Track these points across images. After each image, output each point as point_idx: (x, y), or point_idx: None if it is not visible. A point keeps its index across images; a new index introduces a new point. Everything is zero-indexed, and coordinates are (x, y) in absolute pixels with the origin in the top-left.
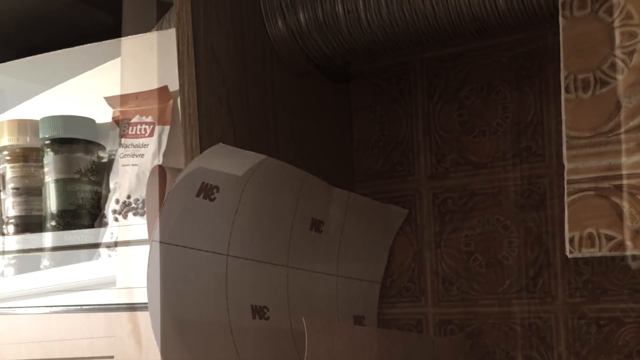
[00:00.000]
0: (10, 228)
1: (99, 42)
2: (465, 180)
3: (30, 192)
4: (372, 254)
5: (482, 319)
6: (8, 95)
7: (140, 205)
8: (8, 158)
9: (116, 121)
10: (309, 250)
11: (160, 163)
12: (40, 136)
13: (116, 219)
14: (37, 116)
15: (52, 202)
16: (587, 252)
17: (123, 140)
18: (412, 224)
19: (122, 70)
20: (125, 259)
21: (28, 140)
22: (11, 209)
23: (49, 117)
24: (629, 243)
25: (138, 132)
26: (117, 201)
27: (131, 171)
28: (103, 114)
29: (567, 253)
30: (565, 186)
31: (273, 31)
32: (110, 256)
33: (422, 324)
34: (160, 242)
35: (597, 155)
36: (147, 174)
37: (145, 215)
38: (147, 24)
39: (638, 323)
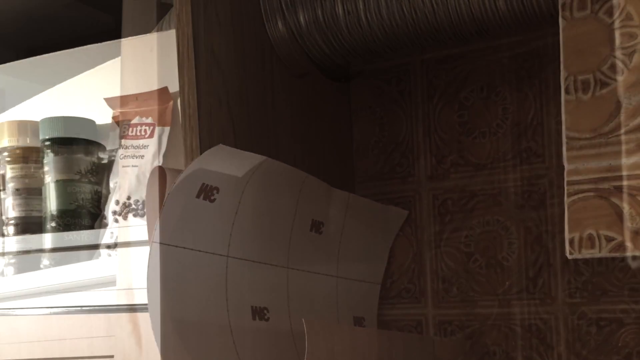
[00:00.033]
0: (11, 229)
1: (99, 44)
2: (465, 181)
3: (30, 193)
4: (372, 255)
5: (482, 320)
6: (8, 95)
7: (140, 206)
8: (8, 159)
9: (116, 121)
10: (309, 251)
11: (160, 164)
12: (41, 137)
13: (116, 220)
14: (37, 116)
15: (52, 203)
16: (587, 253)
17: (123, 142)
18: (412, 225)
19: (122, 71)
20: (125, 260)
21: (28, 141)
22: (11, 209)
23: (49, 118)
24: (629, 244)
25: (138, 133)
26: (117, 202)
27: (131, 172)
28: (103, 114)
29: (567, 254)
30: (565, 187)
31: (273, 32)
32: (110, 256)
33: (422, 325)
34: (160, 243)
35: (597, 156)
36: (147, 175)
37: (145, 216)
38: (147, 25)
39: (638, 324)
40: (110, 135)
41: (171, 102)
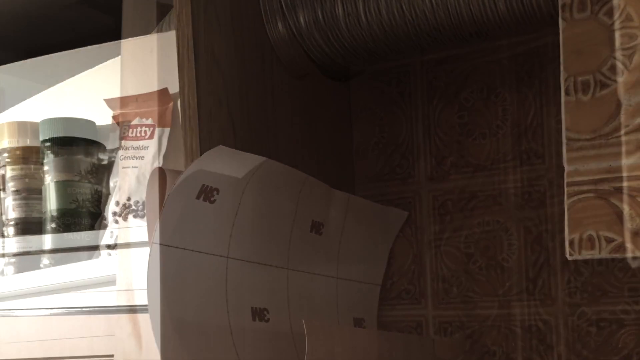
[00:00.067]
0: (11, 230)
1: (99, 45)
2: (465, 182)
3: (30, 193)
4: (372, 256)
5: (482, 321)
6: (8, 94)
7: (140, 208)
8: (8, 160)
9: (117, 122)
10: (309, 252)
11: (160, 165)
12: (41, 138)
13: (116, 221)
14: (37, 115)
15: (52, 204)
16: (587, 254)
17: (123, 143)
18: (412, 226)
19: (122, 72)
20: (126, 261)
21: (28, 142)
22: (11, 210)
23: (49, 119)
24: (629, 245)
25: (138, 135)
26: (117, 203)
27: (131, 173)
28: (103, 114)
29: (567, 255)
30: (565, 188)
31: (273, 33)
32: (110, 255)
33: (422, 326)
34: (160, 244)
35: (597, 157)
36: (147, 176)
37: (145, 217)
38: (147, 26)
39: (638, 325)
40: (110, 136)
41: (171, 103)
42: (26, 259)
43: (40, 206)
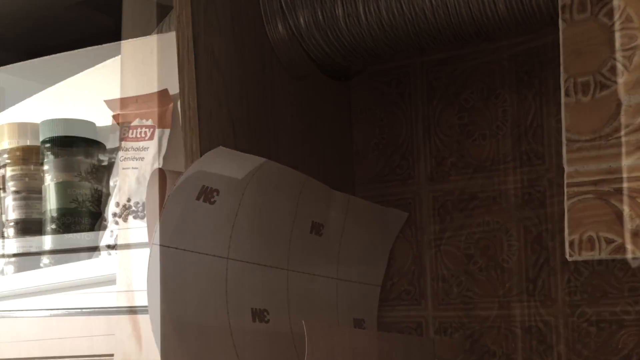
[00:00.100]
0: (11, 230)
1: (99, 46)
2: (465, 183)
3: (30, 194)
4: (372, 257)
5: (482, 322)
6: (8, 94)
7: (140, 209)
8: (8, 160)
9: (117, 122)
10: (309, 253)
11: (160, 166)
12: (41, 138)
13: (116, 222)
14: (37, 114)
15: (52, 205)
16: (587, 255)
17: (123, 144)
18: (412, 227)
19: (122, 73)
20: (126, 262)
21: (28, 142)
22: (11, 211)
23: (49, 120)
24: (629, 246)
25: (138, 136)
26: (117, 204)
27: (131, 174)
28: (103, 113)
29: (567, 256)
30: (565, 189)
31: (273, 34)
32: (110, 254)
33: (422, 327)
34: (160, 245)
35: (596, 158)
36: (147, 177)
37: (145, 218)
38: (147, 27)
39: (638, 325)
40: (111, 137)
41: (171, 104)
42: (26, 259)
43: (40, 207)
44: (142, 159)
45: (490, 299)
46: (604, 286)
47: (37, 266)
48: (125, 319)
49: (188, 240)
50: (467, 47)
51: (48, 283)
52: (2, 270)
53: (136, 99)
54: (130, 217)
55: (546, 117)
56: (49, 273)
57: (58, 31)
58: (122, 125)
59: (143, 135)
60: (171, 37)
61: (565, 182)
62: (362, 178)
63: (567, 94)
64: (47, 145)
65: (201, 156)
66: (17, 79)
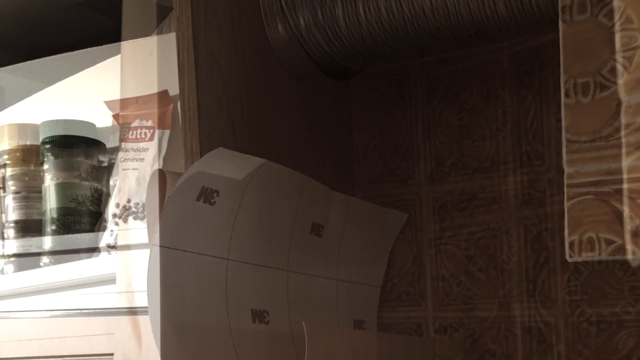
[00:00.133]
0: (11, 231)
1: (99, 46)
2: (465, 184)
3: (30, 195)
4: (372, 257)
5: (482, 323)
6: (8, 93)
7: (140, 210)
8: (8, 161)
9: (117, 122)
10: (309, 254)
11: (160, 167)
12: (41, 139)
13: (116, 223)
14: (37, 114)
15: (52, 206)
16: (587, 256)
17: (123, 145)
18: (412, 228)
19: (122, 74)
20: (126, 263)
21: (28, 144)
22: (11, 212)
23: (49, 121)
24: (629, 247)
25: (138, 136)
26: (117, 205)
27: (131, 175)
28: (103, 112)
29: (567, 257)
30: (565, 190)
31: (273, 35)
32: (110, 253)
33: (422, 328)
34: (160, 246)
35: (597, 159)
36: (147, 178)
37: (145, 219)
38: (147, 28)
39: (638, 326)
40: (111, 138)
41: (171, 105)
42: (26, 258)
43: (40, 207)
44: (142, 159)
45: (490, 299)
46: (604, 286)
47: (37, 265)
48: (125, 318)
49: (188, 241)
50: (467, 48)
51: (48, 282)
52: (2, 270)
53: (136, 100)
54: (130, 218)
55: (546, 116)
56: (49, 272)
57: (58, 32)
58: (122, 126)
59: (143, 136)
60: (171, 38)
61: (565, 183)
62: (362, 179)
63: (567, 95)
64: (47, 146)
65: (201, 157)
66: (17, 78)
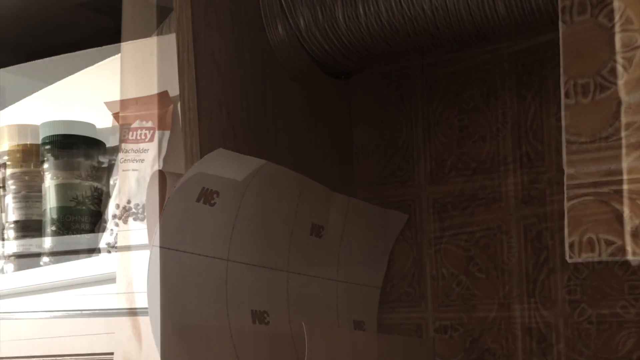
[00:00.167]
0: (11, 232)
1: (99, 47)
2: (465, 185)
3: (30, 196)
4: (372, 258)
5: (482, 323)
6: (8, 93)
7: (140, 210)
8: (9, 162)
9: (117, 122)
10: (309, 255)
11: (160, 168)
12: (41, 140)
13: (116, 224)
14: (37, 113)
15: (52, 206)
16: (587, 257)
17: (123, 145)
18: (412, 229)
19: (122, 74)
20: (126, 264)
21: (28, 144)
22: (11, 213)
23: (49, 122)
24: (629, 247)
25: (138, 137)
26: (117, 206)
27: (131, 176)
28: (102, 111)
29: (567, 258)
30: (565, 191)
31: (273, 36)
32: (110, 252)
33: (422, 329)
34: (161, 246)
35: (597, 160)
36: (147, 179)
37: (145, 220)
38: (147, 29)
39: (638, 325)
40: (111, 139)
41: (171, 106)
42: (26, 258)
43: (40, 207)
44: (142, 160)
45: (491, 299)
46: (604, 285)
47: (37, 265)
48: (125, 318)
49: (188, 242)
50: (467, 49)
51: (48, 281)
52: (2, 269)
53: (136, 101)
54: (130, 219)
55: (546, 116)
56: (49, 271)
57: (58, 33)
58: (122, 127)
59: (143, 137)
60: (171, 38)
61: (565, 183)
62: (362, 180)
63: (567, 96)
64: (47, 146)
65: (201, 158)
66: (17, 77)
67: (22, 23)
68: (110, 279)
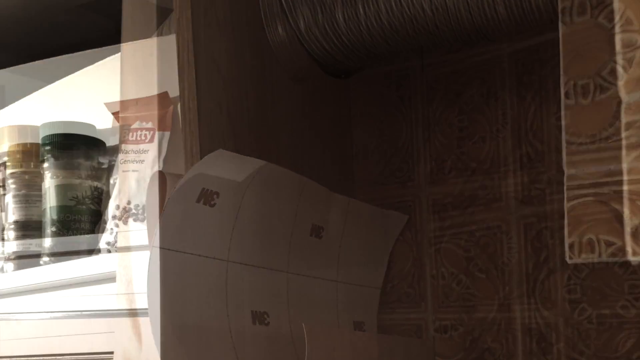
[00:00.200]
0: (11, 233)
1: (100, 48)
2: (465, 185)
3: (30, 197)
4: (372, 259)
5: (482, 324)
6: (8, 92)
7: (140, 211)
8: (9, 163)
9: (117, 121)
10: (309, 255)
11: (160, 169)
12: (41, 141)
13: (116, 225)
14: (36, 112)
15: (52, 207)
16: (587, 258)
17: (123, 146)
18: (412, 230)
19: (122, 75)
20: (126, 265)
21: (28, 145)
22: (11, 213)
23: (49, 122)
24: (629, 248)
25: (138, 138)
26: (118, 207)
27: (131, 177)
28: (102, 111)
29: (567, 259)
30: (565, 192)
31: (273, 36)
32: (110, 251)
33: (422, 330)
34: (161, 247)
35: (597, 160)
36: (148, 180)
37: (145, 221)
38: (147, 30)
39: (638, 323)
40: (111, 140)
41: (171, 107)
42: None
43: (40, 210)
44: (142, 161)
45: (491, 299)
46: (604, 284)
47: (37, 264)
48: (125, 317)
49: (188, 243)
50: (467, 50)
51: (48, 280)
52: (2, 268)
53: (136, 102)
54: (130, 220)
55: (546, 115)
56: (49, 270)
57: (59, 34)
58: (122, 128)
59: (143, 138)
60: (171, 39)
61: (565, 184)
62: (362, 180)
63: (567, 97)
64: (47, 147)
65: (201, 159)
66: (17, 77)
67: (22, 24)
68: (110, 278)
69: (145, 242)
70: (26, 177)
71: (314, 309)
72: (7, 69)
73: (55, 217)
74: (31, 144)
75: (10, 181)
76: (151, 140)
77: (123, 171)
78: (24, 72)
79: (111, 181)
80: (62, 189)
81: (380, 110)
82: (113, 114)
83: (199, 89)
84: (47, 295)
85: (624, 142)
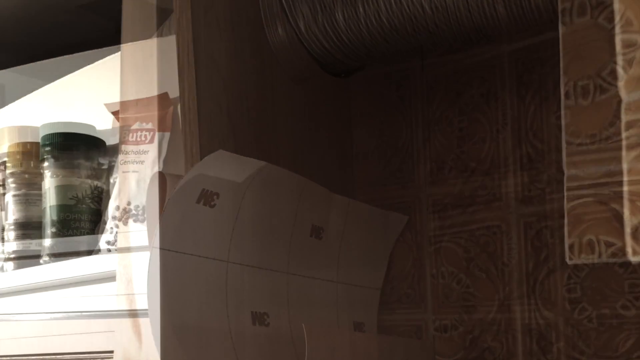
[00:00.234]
0: (11, 234)
1: (100, 49)
2: (465, 186)
3: (30, 197)
4: (372, 260)
5: (482, 325)
6: (7, 91)
7: (140, 212)
8: (9, 164)
9: (117, 121)
10: (309, 256)
11: (160, 170)
12: (41, 142)
13: (116, 226)
14: (36, 112)
15: (52, 205)
16: (586, 259)
17: (123, 147)
18: (412, 231)
19: (122, 76)
20: (126, 265)
21: (28, 146)
22: (11, 214)
23: (49, 123)
24: (629, 249)
25: (138, 139)
26: (117, 208)
27: (131, 178)
28: (102, 110)
29: (567, 260)
30: (565, 193)
31: (273, 37)
32: (110, 251)
33: (422, 330)
34: (161, 248)
35: (596, 161)
36: (148, 181)
37: (145, 222)
38: (147, 31)
39: (638, 322)
40: (111, 140)
41: (171, 108)
42: (26, 256)
43: (40, 210)
44: (142, 162)
45: (491, 299)
46: (604, 284)
47: (36, 263)
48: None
49: (188, 244)
50: (467, 51)
51: (48, 280)
52: (2, 267)
53: (136, 102)
54: (130, 221)
55: (546, 114)
56: (49, 270)
57: (58, 34)
58: (122, 129)
59: (143, 138)
60: (171, 40)
61: (565, 185)
62: (362, 181)
63: (567, 97)
64: (47, 148)
65: (201, 159)
66: (17, 77)
67: (22, 24)
68: (110, 277)
69: (146, 242)
70: (26, 176)
71: (314, 310)
72: (7, 69)
73: (55, 216)
74: (31, 144)
75: (10, 181)
76: (151, 141)
77: (123, 172)
78: (24, 72)
79: (111, 180)
80: (62, 189)
81: (380, 111)
82: (113, 114)
83: (199, 90)
84: (47, 294)
85: (624, 142)
